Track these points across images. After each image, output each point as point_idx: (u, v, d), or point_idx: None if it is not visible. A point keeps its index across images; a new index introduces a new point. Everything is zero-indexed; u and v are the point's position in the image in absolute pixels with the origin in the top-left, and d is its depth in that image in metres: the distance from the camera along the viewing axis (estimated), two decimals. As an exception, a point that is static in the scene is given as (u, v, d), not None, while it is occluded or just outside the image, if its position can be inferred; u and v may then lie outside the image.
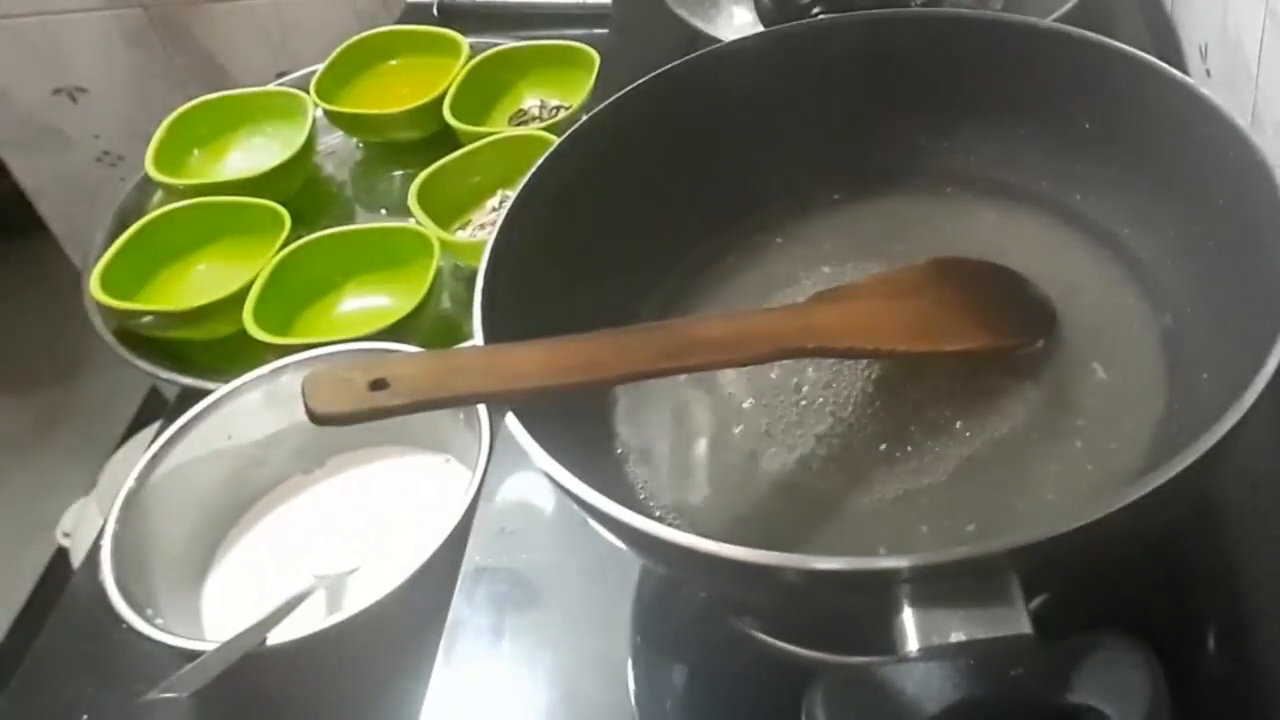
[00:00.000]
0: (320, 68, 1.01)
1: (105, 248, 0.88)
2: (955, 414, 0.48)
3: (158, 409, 0.91)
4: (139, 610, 0.59)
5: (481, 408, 0.64)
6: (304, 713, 0.63)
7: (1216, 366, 0.46)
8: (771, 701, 0.45)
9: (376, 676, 0.59)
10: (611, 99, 0.54)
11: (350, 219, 0.94)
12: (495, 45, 1.00)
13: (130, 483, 0.65)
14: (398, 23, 1.11)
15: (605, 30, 1.01)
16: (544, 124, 0.93)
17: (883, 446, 0.47)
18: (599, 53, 0.96)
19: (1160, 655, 0.41)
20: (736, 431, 0.49)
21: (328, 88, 0.99)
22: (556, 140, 0.53)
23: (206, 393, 0.70)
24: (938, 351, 0.48)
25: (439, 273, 0.81)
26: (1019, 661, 0.41)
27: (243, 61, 1.42)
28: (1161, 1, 0.86)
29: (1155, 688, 0.40)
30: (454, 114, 0.93)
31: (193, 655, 0.59)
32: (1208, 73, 0.74)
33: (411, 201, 0.84)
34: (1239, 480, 0.53)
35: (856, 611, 0.40)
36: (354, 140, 1.01)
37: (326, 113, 0.98)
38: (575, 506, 0.40)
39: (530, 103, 0.99)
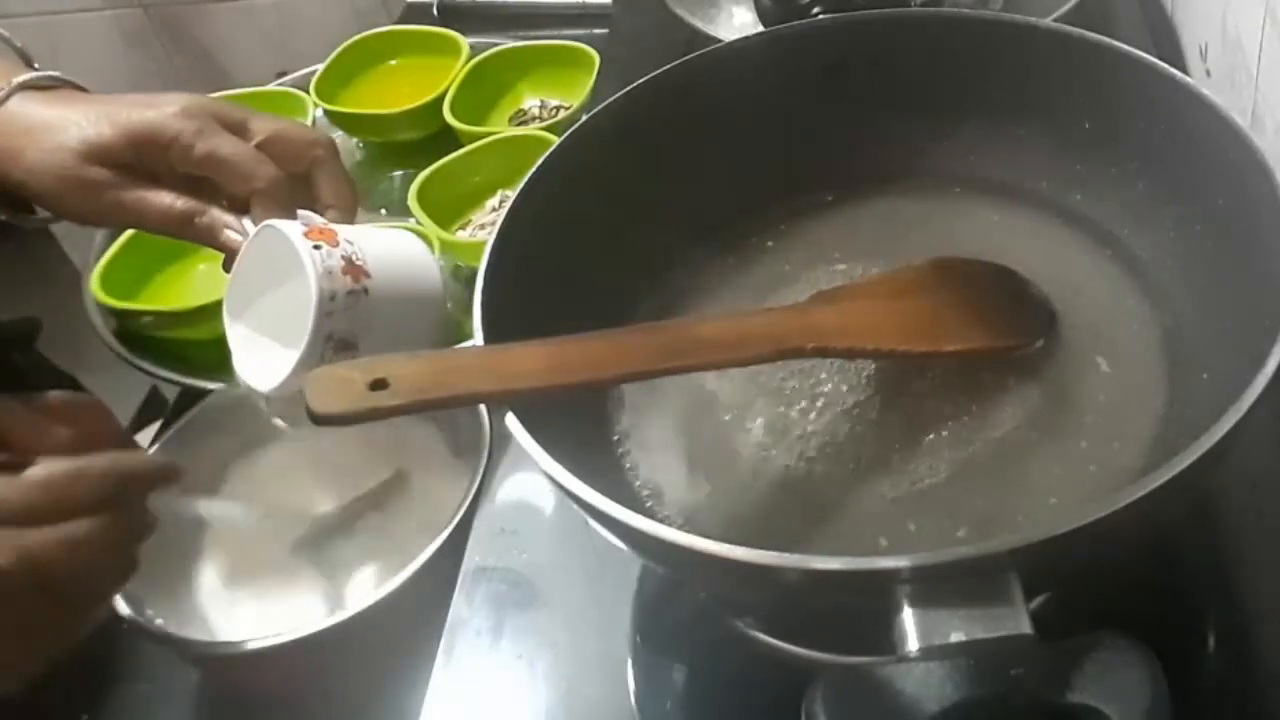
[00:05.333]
0: (320, 68, 1.01)
1: (105, 248, 0.88)
2: (955, 414, 0.48)
3: (158, 409, 0.91)
4: (139, 610, 0.59)
5: (481, 408, 0.64)
6: (304, 713, 0.63)
7: (1216, 366, 0.46)
8: (771, 701, 0.45)
9: (376, 676, 0.59)
10: (611, 99, 0.54)
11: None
12: (495, 45, 1.00)
13: (130, 483, 0.65)
14: (398, 23, 1.11)
15: (605, 30, 1.01)
16: (544, 124, 0.93)
17: (882, 447, 0.47)
18: (599, 53, 0.95)
19: (1160, 655, 0.41)
20: (737, 432, 0.49)
21: (328, 88, 0.99)
22: (556, 140, 0.53)
23: (206, 393, 0.70)
24: (938, 351, 0.48)
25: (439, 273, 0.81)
26: (1019, 661, 0.41)
27: (243, 61, 1.42)
28: (1161, 1, 0.86)
29: (1155, 688, 0.40)
30: (454, 114, 0.93)
31: (193, 655, 0.59)
32: (1208, 73, 0.74)
33: (411, 201, 0.84)
34: (1239, 480, 0.53)
35: (856, 611, 0.40)
36: (354, 140, 1.01)
37: (326, 113, 0.98)
38: (575, 506, 0.40)
39: (530, 103, 0.99)
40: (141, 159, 0.59)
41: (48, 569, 0.46)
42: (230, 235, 0.59)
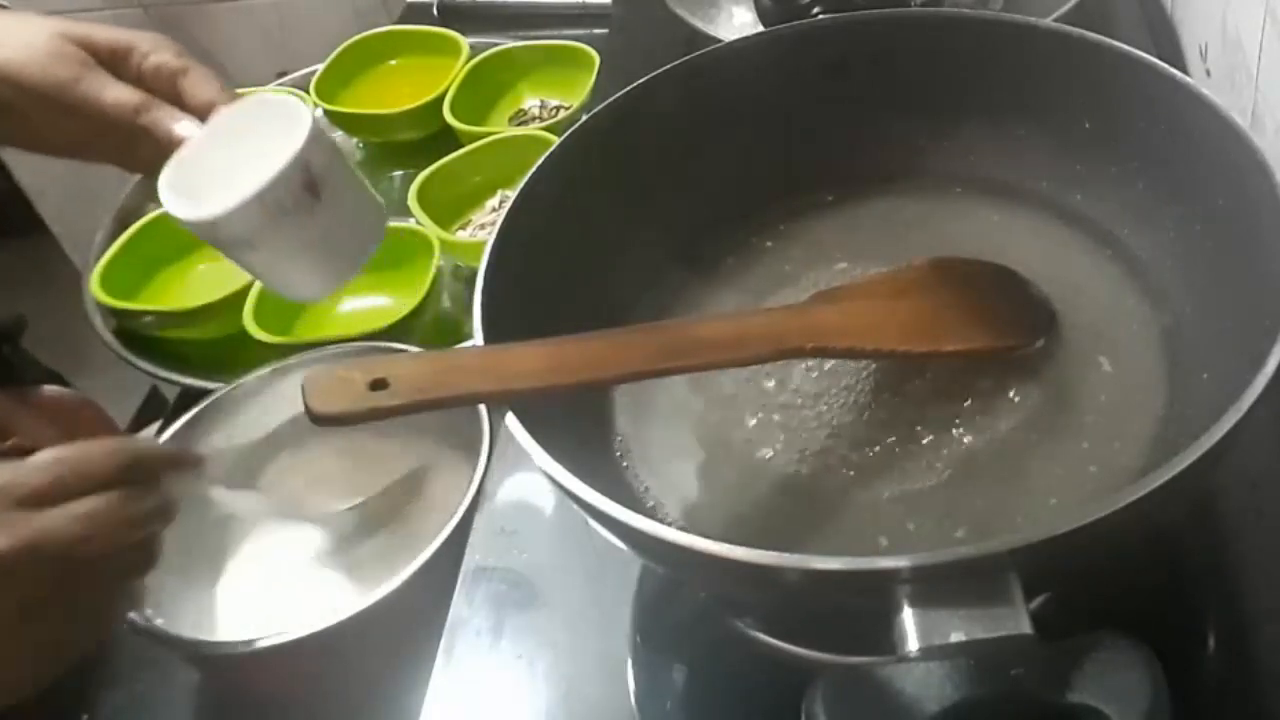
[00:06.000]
0: (320, 68, 1.01)
1: (105, 248, 0.88)
2: (955, 414, 0.48)
3: (158, 409, 0.91)
4: (139, 610, 0.59)
5: (481, 408, 0.64)
6: (304, 712, 0.63)
7: (1216, 366, 0.46)
8: (771, 701, 0.45)
9: (376, 676, 0.59)
10: (611, 99, 0.54)
11: (350, 219, 0.94)
12: (495, 45, 1.00)
13: (130, 483, 0.65)
14: (398, 23, 1.11)
15: (605, 30, 1.01)
16: (544, 124, 0.93)
17: (882, 447, 0.47)
18: (599, 53, 0.96)
19: (1160, 655, 0.41)
20: (736, 431, 0.49)
21: (328, 88, 0.99)
22: (556, 140, 0.53)
23: (207, 393, 0.70)
24: (937, 351, 0.48)
25: (439, 273, 0.81)
26: (1019, 661, 0.41)
27: (243, 61, 1.41)
28: (1161, 2, 0.86)
29: (1155, 688, 0.40)
30: (454, 114, 0.93)
31: (193, 655, 0.59)
32: (1208, 73, 0.74)
33: (411, 201, 0.84)
34: (1239, 480, 0.53)
35: (856, 611, 0.40)
36: (354, 140, 1.01)
37: (326, 113, 0.98)
38: (575, 506, 0.40)
39: (530, 103, 0.99)
40: (115, 62, 0.61)
41: (62, 547, 0.46)
42: (185, 126, 0.60)
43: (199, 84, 0.61)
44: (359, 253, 0.63)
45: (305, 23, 1.37)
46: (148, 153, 0.61)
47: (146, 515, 0.50)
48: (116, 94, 0.61)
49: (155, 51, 0.61)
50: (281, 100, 0.59)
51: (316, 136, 0.57)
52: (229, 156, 0.59)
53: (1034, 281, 0.52)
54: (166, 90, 0.62)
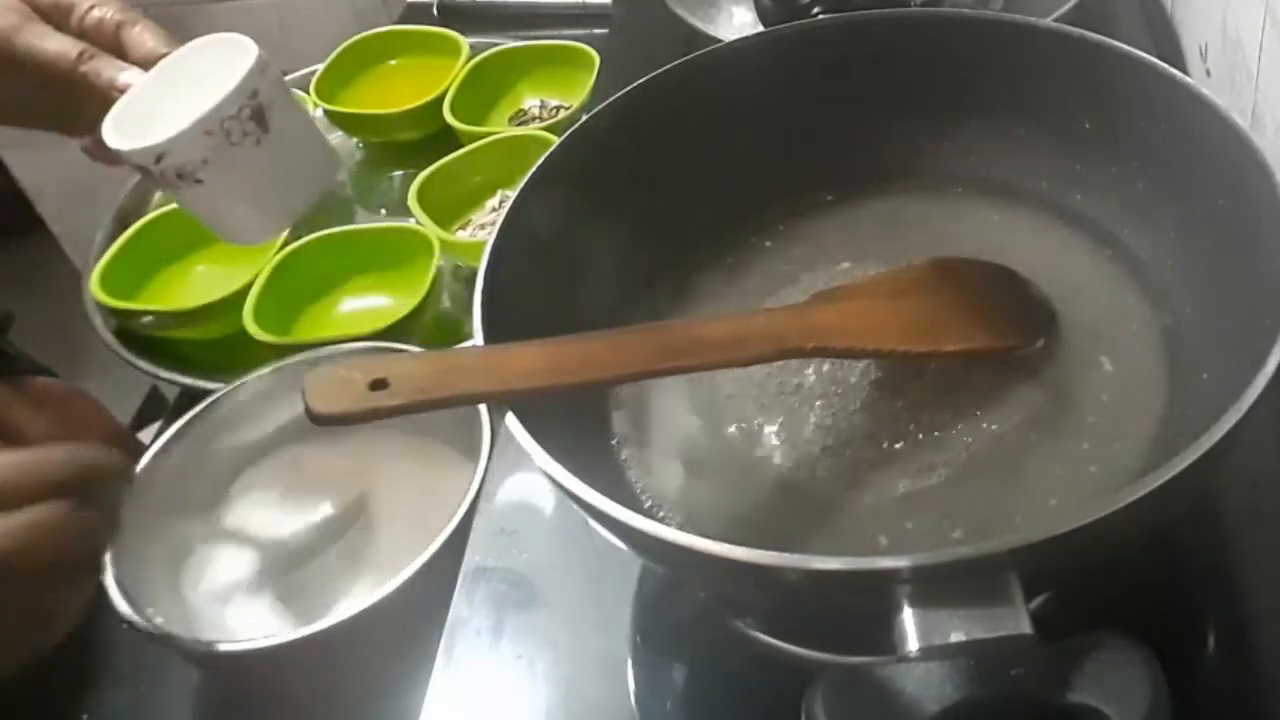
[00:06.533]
0: (320, 68, 1.01)
1: (105, 248, 0.88)
2: (955, 414, 0.48)
3: (158, 409, 0.91)
4: (139, 610, 0.59)
5: (481, 408, 0.64)
6: (304, 712, 0.63)
7: (1216, 366, 0.46)
8: (771, 701, 0.45)
9: (376, 676, 0.59)
10: (611, 99, 0.54)
11: (350, 219, 0.94)
12: (495, 45, 1.00)
13: (130, 482, 0.65)
14: (398, 23, 1.11)
15: (605, 30, 1.01)
16: (544, 124, 0.93)
17: (883, 447, 0.47)
18: (599, 53, 0.95)
19: (1160, 655, 0.41)
20: (736, 432, 0.49)
21: (328, 88, 0.99)
22: (556, 140, 0.53)
23: (207, 393, 0.70)
24: (937, 351, 0.48)
25: (439, 273, 0.81)
26: (1019, 661, 0.41)
27: (243, 61, 1.41)
28: (1161, 2, 0.86)
29: (1155, 688, 0.40)
30: (454, 114, 0.93)
31: (193, 655, 0.59)
32: (1208, 73, 0.74)
33: (411, 201, 0.84)
34: (1239, 480, 0.53)
35: (856, 611, 0.40)
36: (354, 140, 1.01)
37: (326, 113, 0.98)
38: (575, 506, 0.40)
39: (530, 103, 0.99)
40: (57, 16, 0.62)
41: (11, 554, 0.45)
42: (129, 74, 0.61)
43: (142, 35, 0.61)
44: (307, 193, 0.63)
45: (305, 23, 1.37)
46: (93, 111, 0.61)
47: (92, 528, 0.49)
48: (58, 44, 0.61)
49: (98, 5, 0.62)
50: (226, 38, 0.59)
51: (263, 67, 0.57)
52: (176, 95, 0.59)
53: (1034, 281, 0.52)
54: (109, 44, 0.62)
